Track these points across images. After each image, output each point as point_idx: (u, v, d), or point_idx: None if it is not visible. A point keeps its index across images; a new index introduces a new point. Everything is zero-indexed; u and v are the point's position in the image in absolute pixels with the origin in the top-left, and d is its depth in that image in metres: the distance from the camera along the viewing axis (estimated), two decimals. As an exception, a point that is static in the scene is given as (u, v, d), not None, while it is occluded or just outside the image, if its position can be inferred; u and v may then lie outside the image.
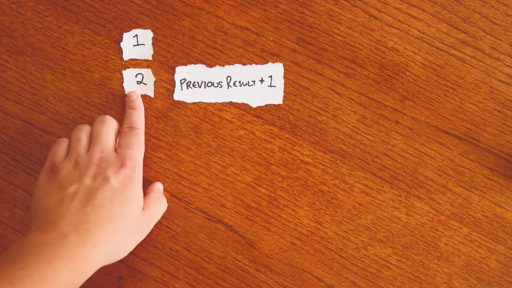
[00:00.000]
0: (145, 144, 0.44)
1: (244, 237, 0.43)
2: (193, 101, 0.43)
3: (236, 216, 0.43)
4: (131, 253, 0.43)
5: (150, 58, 0.44)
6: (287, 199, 0.43)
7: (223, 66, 0.43)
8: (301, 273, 0.43)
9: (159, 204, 0.42)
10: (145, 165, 0.44)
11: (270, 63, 0.43)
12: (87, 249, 0.35)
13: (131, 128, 0.42)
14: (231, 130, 0.44)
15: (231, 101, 0.43)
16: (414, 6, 0.43)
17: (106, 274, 0.43)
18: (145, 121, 0.44)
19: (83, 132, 0.41)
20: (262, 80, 0.43)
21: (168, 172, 0.44)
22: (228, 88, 0.43)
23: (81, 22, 0.45)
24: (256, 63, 0.44)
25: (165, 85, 0.44)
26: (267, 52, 0.44)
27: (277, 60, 0.43)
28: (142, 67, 0.44)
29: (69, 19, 0.45)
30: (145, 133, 0.44)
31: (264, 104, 0.43)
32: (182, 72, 0.43)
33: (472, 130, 0.43)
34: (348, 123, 0.43)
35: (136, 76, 0.44)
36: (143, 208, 0.40)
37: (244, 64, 0.43)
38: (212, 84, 0.43)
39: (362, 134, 0.43)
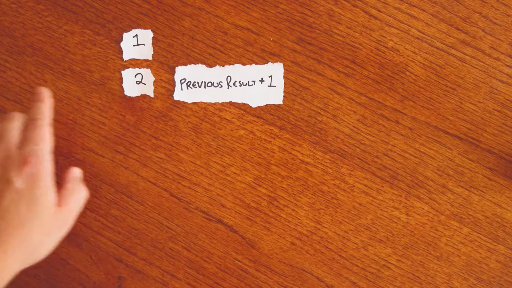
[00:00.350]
0: (145, 144, 0.44)
1: (244, 237, 0.43)
2: (193, 101, 0.43)
3: (236, 216, 0.43)
4: (131, 253, 0.43)
5: (150, 58, 0.44)
6: (287, 199, 0.43)
7: (223, 66, 0.43)
8: (301, 273, 0.43)
9: (76, 195, 0.39)
10: (145, 165, 0.44)
11: (270, 63, 0.43)
12: None
13: (34, 120, 0.39)
14: (231, 130, 0.44)
15: (231, 101, 0.43)
16: (414, 6, 0.43)
17: (106, 274, 0.43)
18: (145, 121, 0.44)
19: None
20: (262, 80, 0.43)
21: (168, 172, 0.44)
22: (228, 88, 0.43)
23: (81, 22, 0.45)
24: (256, 63, 0.44)
25: (165, 85, 0.44)
26: (267, 52, 0.44)
27: (277, 60, 0.43)
28: (142, 67, 0.44)
29: (69, 19, 0.45)
30: (145, 133, 0.44)
31: (264, 104, 0.43)
32: (182, 72, 0.43)
33: (472, 130, 0.43)
34: (348, 123, 0.43)
35: (135, 76, 0.44)
36: (59, 204, 0.38)
37: (244, 64, 0.43)
38: (212, 84, 0.43)
39: (362, 134, 0.43)
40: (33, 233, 0.35)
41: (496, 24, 0.43)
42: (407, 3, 0.43)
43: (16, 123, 0.39)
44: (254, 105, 0.43)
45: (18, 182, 0.36)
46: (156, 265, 0.43)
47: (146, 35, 0.44)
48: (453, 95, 0.43)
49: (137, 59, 0.44)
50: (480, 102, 0.43)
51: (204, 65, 0.43)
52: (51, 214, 0.37)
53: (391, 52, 0.43)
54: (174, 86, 0.44)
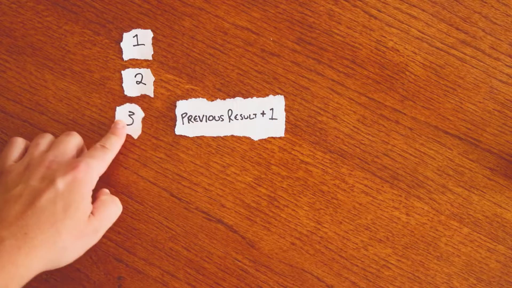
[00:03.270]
0: (145, 144, 0.44)
1: (244, 237, 0.43)
2: (194, 135, 0.43)
3: (236, 216, 0.43)
4: (131, 253, 0.43)
5: (150, 58, 0.44)
6: (287, 199, 0.43)
7: (223, 99, 0.43)
8: (301, 273, 0.43)
9: (110, 207, 0.40)
10: (145, 165, 0.44)
11: (271, 96, 0.43)
12: (22, 254, 0.33)
13: (103, 146, 0.41)
14: (231, 130, 0.44)
15: (232, 135, 0.43)
16: (414, 6, 0.43)
17: (106, 274, 0.43)
18: (145, 121, 0.44)
19: (44, 139, 0.40)
20: (263, 113, 0.43)
21: (168, 172, 0.44)
22: (229, 121, 0.43)
23: (81, 22, 0.45)
24: (257, 63, 0.44)
25: (165, 85, 0.44)
26: (267, 52, 0.44)
27: (277, 60, 0.43)
28: (142, 67, 0.44)
29: (69, 19, 0.45)
30: (145, 133, 0.44)
31: (266, 137, 0.43)
32: (183, 106, 0.43)
33: (472, 130, 0.43)
34: (348, 123, 0.43)
35: (135, 76, 0.44)
36: (92, 213, 0.38)
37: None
38: (214, 117, 0.43)
39: (362, 134, 0.43)
40: (63, 235, 0.36)
41: (496, 24, 0.43)
42: (407, 3, 0.43)
43: (72, 138, 0.40)
44: (255, 138, 0.43)
45: (61, 183, 0.37)
46: (156, 265, 0.43)
47: (146, 35, 0.44)
48: (453, 95, 0.43)
49: (137, 59, 0.44)
50: (480, 102, 0.43)
51: (205, 99, 0.43)
52: (84, 220, 0.37)
53: (391, 52, 0.43)
54: (174, 86, 0.44)
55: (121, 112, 0.44)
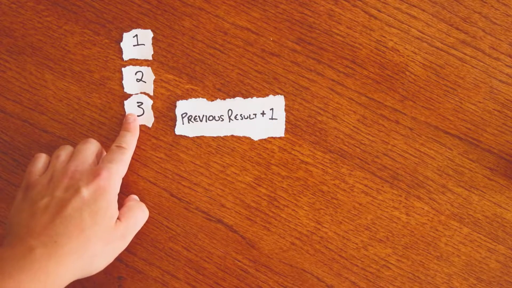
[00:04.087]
0: (145, 144, 0.44)
1: (244, 237, 0.43)
2: (194, 135, 0.43)
3: (236, 216, 0.43)
4: (131, 253, 0.43)
5: (150, 58, 0.44)
6: (287, 199, 0.43)
7: (223, 99, 0.43)
8: (301, 273, 0.43)
9: (137, 212, 0.41)
10: (145, 165, 0.44)
11: (271, 96, 0.43)
12: (53, 262, 0.34)
13: (119, 147, 0.41)
14: (231, 130, 0.44)
15: (232, 134, 0.43)
16: (414, 6, 0.43)
17: (106, 274, 0.43)
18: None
19: (64, 151, 0.41)
20: (263, 113, 0.43)
21: (168, 172, 0.44)
22: (229, 121, 0.43)
23: (81, 22, 0.45)
24: (257, 63, 0.44)
25: (165, 85, 0.44)
26: (267, 52, 0.44)
27: (277, 60, 0.43)
28: (142, 67, 0.44)
29: (69, 19, 0.45)
30: (146, 133, 0.44)
31: (266, 137, 0.43)
32: (183, 106, 0.43)
33: (472, 130, 0.43)
34: (348, 123, 0.43)
35: (135, 74, 0.44)
36: (119, 219, 0.39)
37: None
38: (214, 117, 0.43)
39: (362, 134, 0.43)
40: (92, 242, 0.36)
41: (496, 24, 0.43)
42: (407, 3, 0.43)
43: (91, 145, 0.41)
44: (255, 138, 0.43)
45: (86, 192, 0.37)
46: (156, 265, 0.43)
47: (146, 35, 0.44)
48: (453, 95, 0.43)
49: (137, 59, 0.44)
50: (480, 102, 0.43)
51: (205, 99, 0.43)
52: (111, 226, 0.38)
53: (391, 52, 0.43)
54: (174, 86, 0.44)
55: (130, 105, 0.44)
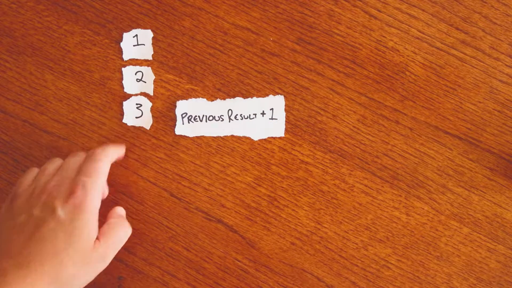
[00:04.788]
0: (145, 144, 0.44)
1: (244, 237, 0.43)
2: (194, 135, 0.43)
3: (236, 216, 0.43)
4: (131, 253, 0.43)
5: (150, 58, 0.44)
6: (287, 199, 0.43)
7: (223, 99, 0.43)
8: (301, 273, 0.43)
9: (118, 231, 0.39)
10: (145, 165, 0.44)
11: (271, 96, 0.43)
12: (28, 284, 0.33)
13: (93, 154, 0.39)
14: (231, 130, 0.44)
15: (232, 134, 0.43)
16: (414, 6, 0.43)
17: (106, 274, 0.43)
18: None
19: (52, 164, 0.40)
20: (263, 113, 0.43)
21: (168, 172, 0.44)
22: (229, 121, 0.43)
23: (81, 22, 0.45)
24: (257, 63, 0.44)
25: (165, 85, 0.44)
26: (267, 52, 0.44)
27: (277, 60, 0.43)
28: (142, 67, 0.44)
29: (69, 19, 0.45)
30: (145, 133, 0.44)
31: (266, 137, 0.43)
32: (183, 106, 0.43)
33: (472, 130, 0.43)
34: (348, 123, 0.43)
35: (135, 74, 0.44)
36: (97, 238, 0.37)
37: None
38: (214, 117, 0.43)
39: (362, 134, 0.43)
40: (67, 265, 0.35)
41: (496, 24, 0.43)
42: (407, 3, 0.43)
43: (77, 158, 0.40)
44: (255, 138, 0.43)
45: (61, 211, 0.36)
46: (156, 265, 0.43)
47: (146, 35, 0.44)
48: (453, 95, 0.43)
49: (137, 59, 0.44)
50: (480, 102, 0.43)
51: (205, 99, 0.43)
52: (89, 247, 0.36)
53: (391, 52, 0.43)
54: (174, 86, 0.44)
55: (128, 106, 0.44)
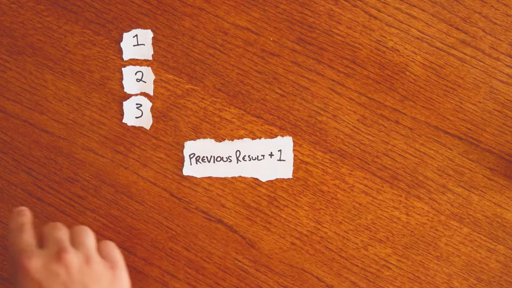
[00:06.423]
0: (145, 144, 0.44)
1: (244, 237, 0.43)
2: (202, 176, 0.43)
3: (236, 216, 0.43)
4: (131, 253, 0.43)
5: (150, 58, 0.44)
6: (287, 199, 0.43)
7: (231, 140, 0.43)
8: (301, 273, 0.43)
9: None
10: (145, 165, 0.44)
11: (279, 137, 0.43)
12: None
13: (111, 267, 0.36)
14: (231, 130, 0.43)
15: (240, 175, 0.43)
16: (414, 6, 0.43)
17: (106, 274, 0.43)
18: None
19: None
20: (271, 154, 0.43)
21: (168, 172, 0.44)
22: (237, 162, 0.43)
23: (81, 22, 0.45)
24: (257, 63, 0.44)
25: (165, 85, 0.44)
26: (267, 52, 0.44)
27: (277, 60, 0.43)
28: (142, 67, 0.44)
29: (69, 19, 0.45)
30: (146, 132, 0.44)
31: (274, 179, 0.43)
32: (191, 147, 0.43)
33: (472, 130, 0.43)
34: (348, 123, 0.43)
35: (135, 74, 0.44)
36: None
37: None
38: (222, 158, 0.43)
39: (362, 134, 0.43)
40: None
41: (496, 24, 0.43)
42: (407, 3, 0.43)
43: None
44: (263, 179, 0.43)
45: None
46: (156, 265, 0.43)
47: (146, 35, 0.44)
48: (453, 95, 0.43)
49: (137, 59, 0.44)
50: (480, 102, 0.43)
51: (213, 140, 0.43)
52: None
53: (391, 52, 0.43)
54: (174, 86, 0.44)
55: (128, 106, 0.44)
